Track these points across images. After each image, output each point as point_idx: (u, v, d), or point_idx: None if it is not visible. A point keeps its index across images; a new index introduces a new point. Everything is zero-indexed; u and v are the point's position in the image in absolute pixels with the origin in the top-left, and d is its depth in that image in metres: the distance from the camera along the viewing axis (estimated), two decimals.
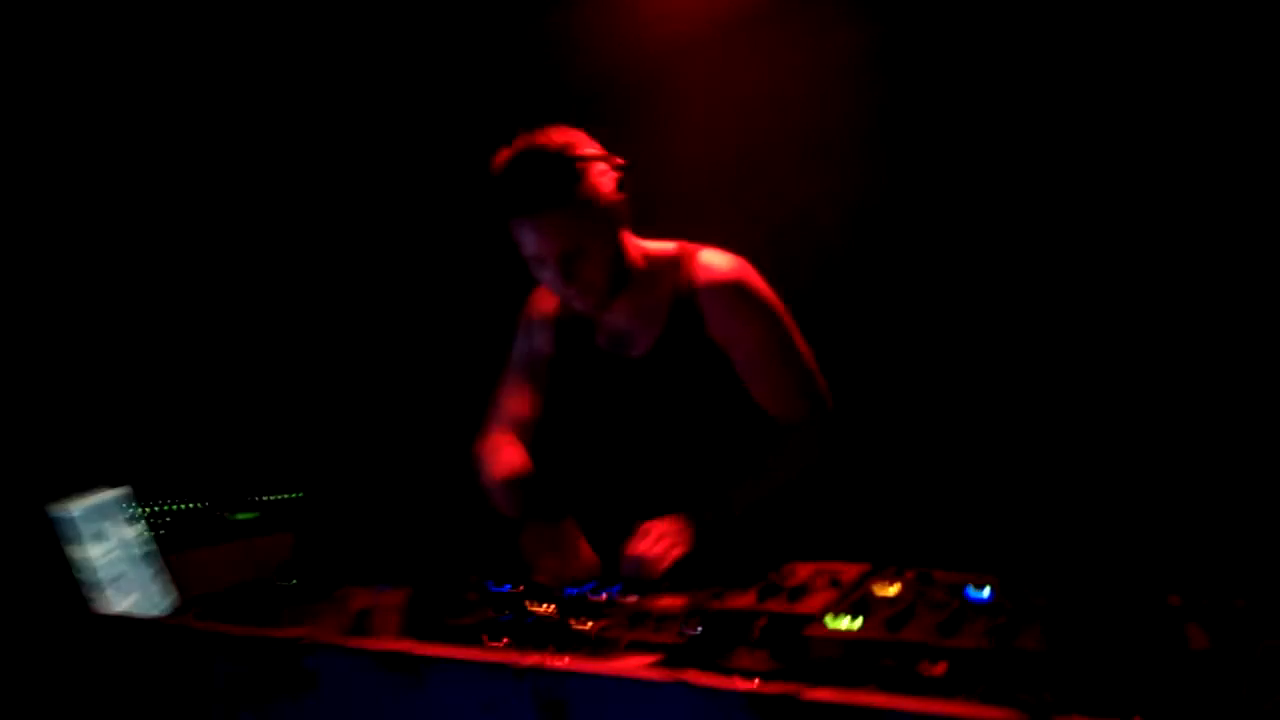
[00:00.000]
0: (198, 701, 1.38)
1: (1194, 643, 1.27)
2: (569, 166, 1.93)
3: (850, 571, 1.63)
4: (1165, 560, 2.05)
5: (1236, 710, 1.11)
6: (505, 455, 2.15)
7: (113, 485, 1.95)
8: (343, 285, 3.20)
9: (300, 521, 2.56)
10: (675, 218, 2.22)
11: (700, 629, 1.43)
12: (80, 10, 2.88)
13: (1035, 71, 2.41)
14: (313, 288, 3.20)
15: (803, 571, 1.64)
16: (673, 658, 1.30)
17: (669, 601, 1.57)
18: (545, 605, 1.60)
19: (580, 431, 2.21)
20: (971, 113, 2.48)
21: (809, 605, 1.45)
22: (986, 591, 1.47)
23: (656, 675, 1.07)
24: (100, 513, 1.79)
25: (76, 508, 1.70)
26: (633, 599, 1.63)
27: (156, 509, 2.43)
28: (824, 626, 1.34)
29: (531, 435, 2.22)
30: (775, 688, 1.03)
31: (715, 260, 2.08)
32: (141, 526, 1.96)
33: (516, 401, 2.25)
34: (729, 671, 1.09)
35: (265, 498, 2.60)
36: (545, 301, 2.26)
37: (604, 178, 1.98)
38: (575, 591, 1.70)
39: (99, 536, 1.73)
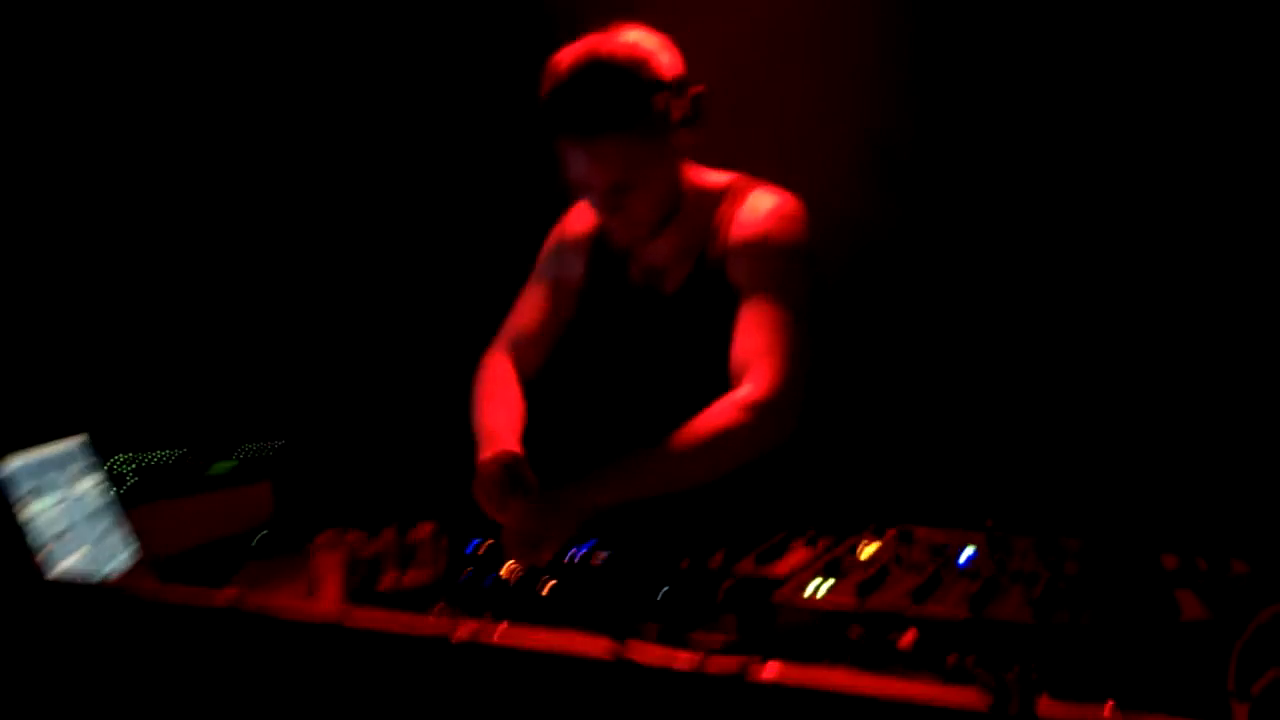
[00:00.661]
0: (130, 666, 1.32)
1: (1186, 612, 1.19)
2: (637, 88, 1.72)
3: (830, 531, 1.56)
4: (1163, 518, 1.97)
5: (1224, 689, 1.03)
6: (490, 387, 2.00)
7: (67, 435, 1.88)
8: (327, 232, 3.12)
9: (280, 471, 2.50)
10: None
11: (665, 592, 1.36)
12: (80, 10, 2.80)
13: (1041, 70, 2.31)
14: (297, 233, 3.12)
15: (778, 533, 1.57)
16: (626, 628, 1.23)
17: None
18: (509, 567, 1.52)
19: (603, 367, 2.10)
20: (977, 109, 2.38)
21: (780, 568, 1.38)
22: (969, 552, 1.39)
23: (596, 651, 1.00)
24: (46, 466, 1.72)
25: (17, 462, 1.63)
26: (601, 556, 1.55)
27: (127, 459, 2.37)
28: (791, 592, 1.26)
29: (538, 356, 2.09)
30: (721, 665, 0.95)
31: (759, 204, 1.89)
32: (98, 478, 1.90)
33: (527, 318, 2.10)
34: (686, 644, 1.02)
35: (244, 446, 2.54)
36: (581, 222, 2.09)
37: (675, 103, 1.77)
38: None
39: (43, 491, 1.66)
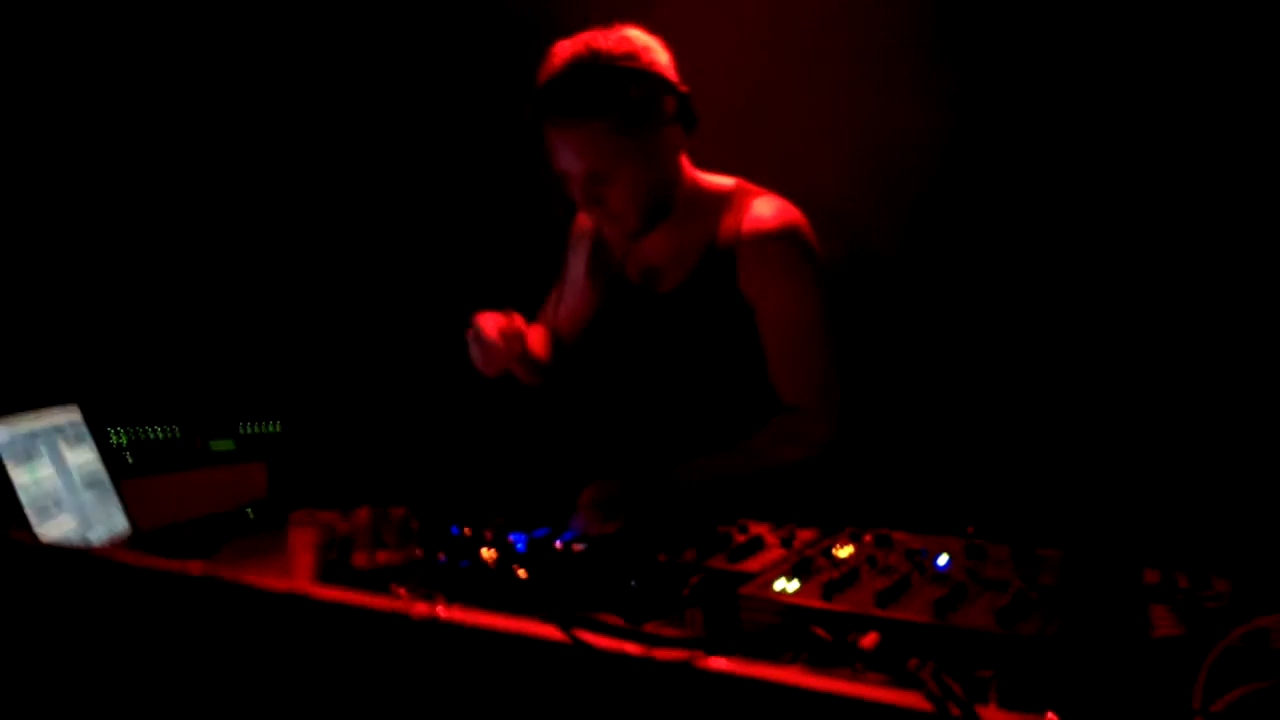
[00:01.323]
0: (101, 631, 1.34)
1: (1159, 628, 1.18)
2: (617, 79, 1.77)
3: (808, 532, 1.56)
4: (1147, 532, 1.95)
5: (1189, 708, 1.02)
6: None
7: (60, 404, 1.91)
8: (330, 222, 3.15)
9: (276, 452, 2.53)
10: None
11: (632, 583, 1.36)
12: (80, 10, 2.84)
13: (1046, 76, 2.31)
14: (302, 223, 3.15)
15: (757, 529, 1.57)
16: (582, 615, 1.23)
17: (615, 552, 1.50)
18: (490, 551, 1.53)
19: (597, 361, 2.13)
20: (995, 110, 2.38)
21: (751, 564, 1.38)
22: (944, 559, 1.39)
23: (549, 633, 1.00)
24: (33, 434, 1.75)
25: (2, 428, 1.66)
26: (579, 549, 1.57)
27: (124, 432, 2.40)
28: (760, 587, 1.26)
29: (565, 337, 2.18)
30: (669, 653, 0.96)
31: (766, 210, 1.92)
32: (90, 449, 1.92)
33: (552, 316, 2.20)
34: (641, 636, 1.02)
35: (243, 427, 2.57)
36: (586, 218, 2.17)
37: (658, 100, 1.83)
38: (523, 537, 1.63)
39: (28, 459, 1.69)
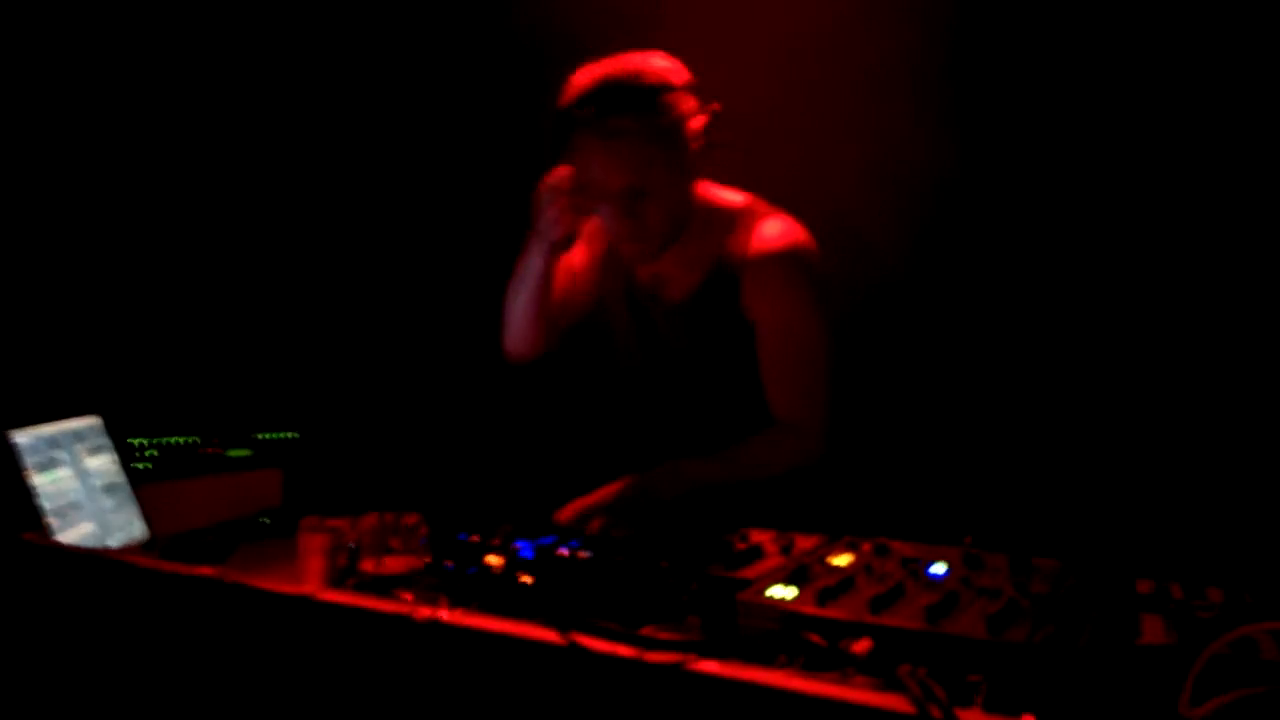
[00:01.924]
0: (115, 632, 1.40)
1: (1147, 636, 1.21)
2: (657, 91, 1.82)
3: (807, 540, 1.60)
4: (1142, 542, 1.98)
5: (1176, 714, 1.05)
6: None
7: (82, 415, 1.97)
8: (343, 230, 3.21)
9: (292, 459, 2.58)
10: None
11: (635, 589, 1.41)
12: (80, 10, 2.91)
13: (1059, 93, 2.34)
14: (313, 231, 3.22)
15: (758, 537, 1.62)
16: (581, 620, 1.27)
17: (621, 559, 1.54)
18: (496, 558, 1.58)
19: (606, 367, 2.18)
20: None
21: (750, 571, 1.42)
22: (942, 568, 1.43)
23: (547, 636, 1.05)
24: (54, 442, 1.81)
25: (24, 435, 1.72)
26: (584, 556, 1.61)
27: (143, 442, 2.47)
28: (756, 594, 1.31)
29: (561, 315, 2.17)
30: (662, 657, 1.00)
31: (773, 231, 1.97)
32: (110, 458, 1.99)
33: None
34: (635, 639, 1.06)
35: (259, 435, 2.63)
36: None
37: (693, 119, 1.88)
38: (529, 545, 1.68)
39: (49, 465, 1.75)
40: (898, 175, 2.45)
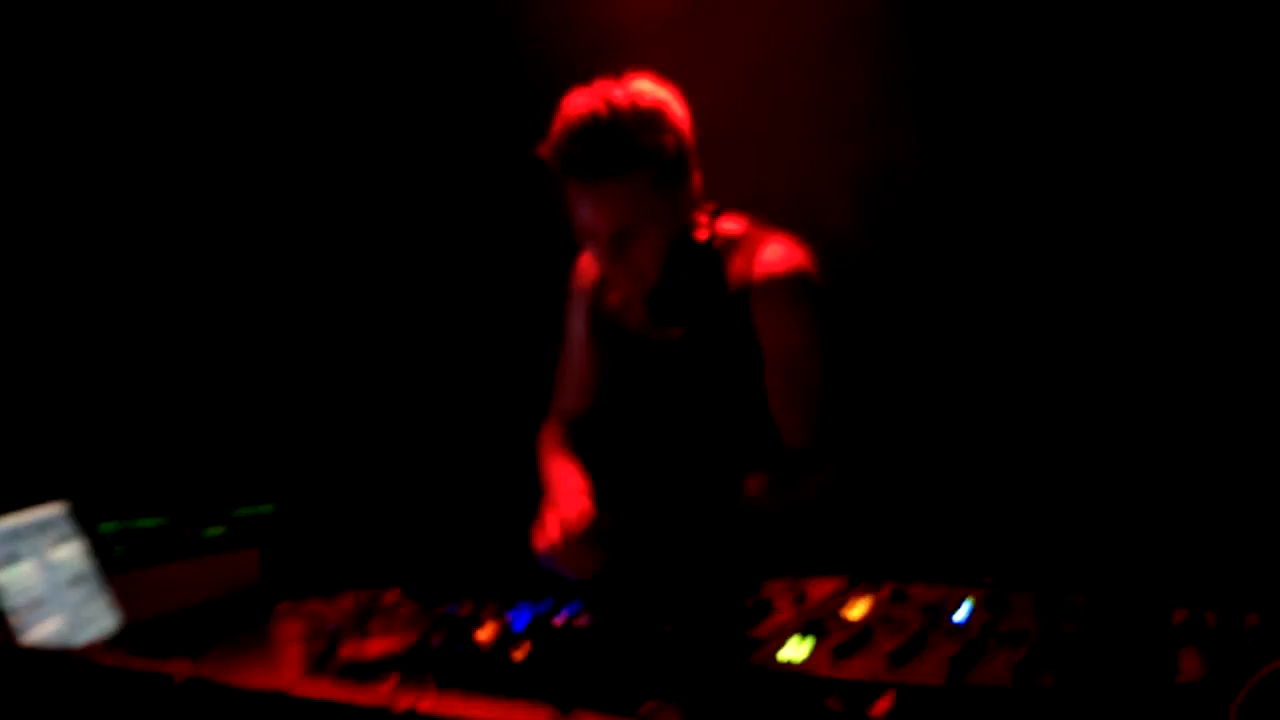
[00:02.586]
0: None
1: (1185, 673, 1.15)
2: (646, 134, 1.78)
3: (821, 588, 1.54)
4: (1174, 571, 1.92)
5: None
6: (551, 462, 2.11)
7: (46, 502, 1.91)
8: (316, 293, 3.16)
9: (269, 536, 2.52)
10: None
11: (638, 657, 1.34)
12: (80, 10, 2.88)
13: (1049, 101, 2.33)
14: (286, 294, 3.16)
15: (770, 587, 1.55)
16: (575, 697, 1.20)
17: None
18: (487, 631, 1.51)
19: (612, 411, 2.14)
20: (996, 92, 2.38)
21: (760, 630, 1.36)
22: (965, 611, 1.36)
23: None
24: (17, 535, 1.74)
25: None
26: (581, 624, 1.54)
27: (114, 527, 2.39)
28: (768, 657, 1.24)
29: (583, 405, 2.19)
30: None
31: (775, 255, 1.93)
32: (77, 546, 1.92)
33: (564, 390, 2.21)
34: (635, 714, 1.00)
35: (233, 512, 2.56)
36: (582, 276, 2.16)
37: (684, 155, 1.85)
38: (524, 614, 1.61)
39: (12, 561, 1.69)
40: (891, 193, 2.43)
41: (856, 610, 1.40)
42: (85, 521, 2.00)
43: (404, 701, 1.03)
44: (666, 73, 1.90)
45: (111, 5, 2.90)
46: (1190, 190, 2.20)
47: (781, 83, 2.57)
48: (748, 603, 1.48)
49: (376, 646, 1.38)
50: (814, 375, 1.93)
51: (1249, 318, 2.16)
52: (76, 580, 1.86)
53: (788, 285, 1.91)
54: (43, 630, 1.68)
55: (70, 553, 1.89)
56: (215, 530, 2.53)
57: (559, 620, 1.47)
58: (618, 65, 1.87)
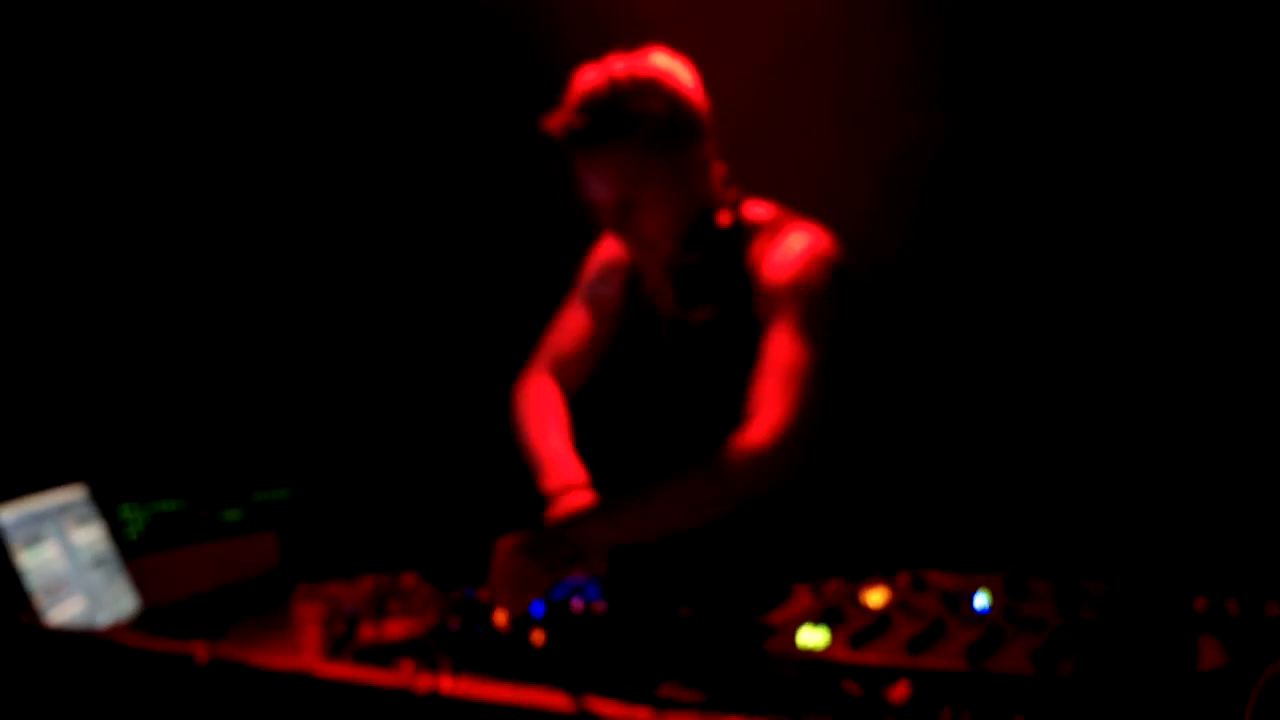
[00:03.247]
0: (104, 714, 1.36)
1: (1205, 661, 1.16)
2: (636, 101, 1.80)
3: (838, 579, 1.55)
4: (1197, 558, 1.92)
5: None
6: (536, 409, 2.07)
7: (65, 485, 1.94)
8: (331, 277, 3.18)
9: (286, 520, 2.55)
10: None
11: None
12: (80, 10, 2.91)
13: (1071, 94, 2.32)
14: (301, 278, 3.19)
15: (787, 576, 1.56)
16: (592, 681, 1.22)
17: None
18: (504, 616, 1.53)
19: (629, 394, 2.14)
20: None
21: (778, 616, 1.37)
22: (984, 600, 1.37)
23: (556, 703, 1.01)
24: (41, 517, 1.77)
25: (11, 510, 1.69)
26: (599, 609, 1.56)
27: (134, 509, 2.43)
28: (784, 640, 1.26)
29: (580, 376, 2.14)
30: (681, 717, 0.96)
31: (796, 246, 1.90)
32: (97, 529, 1.95)
33: (569, 337, 2.15)
34: (652, 700, 1.02)
35: (251, 496, 2.60)
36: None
37: (680, 120, 1.85)
38: (541, 600, 1.63)
39: (35, 542, 1.72)
40: (916, 182, 2.43)
41: (875, 597, 1.41)
42: (104, 502, 2.04)
43: (425, 683, 1.05)
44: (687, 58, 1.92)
45: (111, 3, 2.93)
46: (1232, 174, 2.18)
47: (805, 66, 2.56)
48: (767, 591, 1.50)
49: (395, 629, 1.41)
50: (800, 359, 1.83)
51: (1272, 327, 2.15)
52: (98, 562, 1.90)
53: (794, 280, 1.88)
54: (65, 611, 1.72)
55: (91, 535, 1.93)
56: (234, 514, 2.57)
57: (577, 605, 1.49)
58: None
